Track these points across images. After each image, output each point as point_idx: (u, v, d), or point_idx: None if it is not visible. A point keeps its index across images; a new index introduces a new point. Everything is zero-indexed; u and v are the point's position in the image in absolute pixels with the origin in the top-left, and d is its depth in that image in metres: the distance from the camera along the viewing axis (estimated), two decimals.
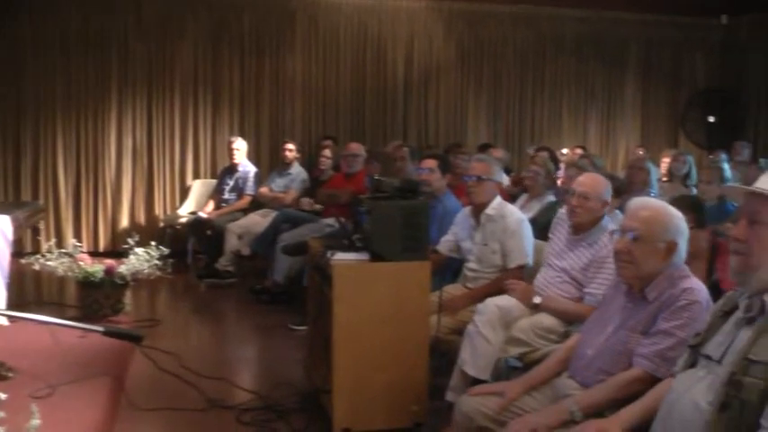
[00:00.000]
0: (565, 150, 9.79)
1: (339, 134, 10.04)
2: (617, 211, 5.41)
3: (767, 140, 11.39)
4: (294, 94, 10.10)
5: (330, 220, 6.92)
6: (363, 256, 4.19)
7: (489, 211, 4.80)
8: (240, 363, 5.79)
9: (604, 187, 4.24)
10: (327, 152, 8.74)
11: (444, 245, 5.10)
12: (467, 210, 5.04)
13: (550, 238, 4.49)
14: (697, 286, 2.92)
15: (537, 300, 4.25)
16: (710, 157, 9.71)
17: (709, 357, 2.37)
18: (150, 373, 5.05)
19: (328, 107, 10.27)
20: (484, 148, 9.33)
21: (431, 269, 4.22)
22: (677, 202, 3.59)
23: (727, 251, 4.22)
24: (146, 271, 5.98)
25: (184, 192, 9.77)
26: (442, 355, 4.48)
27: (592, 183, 4.25)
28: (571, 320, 4.06)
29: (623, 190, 5.76)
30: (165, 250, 6.11)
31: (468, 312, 4.38)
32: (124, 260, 6.08)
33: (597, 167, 6.79)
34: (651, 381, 2.78)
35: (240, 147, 8.87)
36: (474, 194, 4.87)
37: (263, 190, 8.76)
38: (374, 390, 4.11)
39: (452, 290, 4.83)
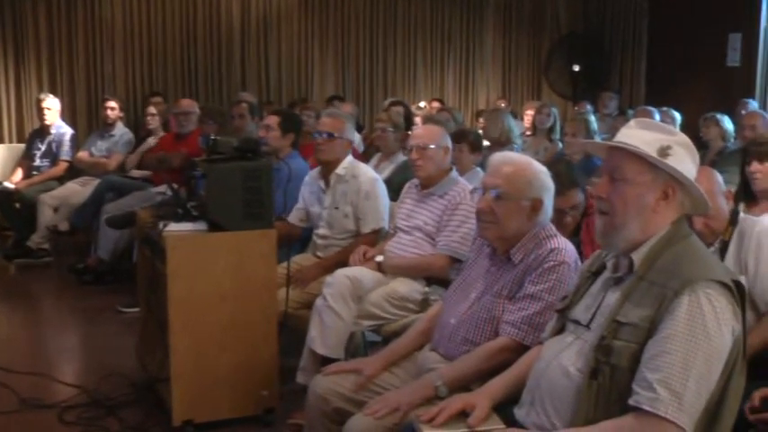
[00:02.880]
0: (422, 104, 9.93)
1: (168, 90, 9.88)
2: (478, 169, 5.57)
3: (633, 90, 11.91)
4: (114, 43, 9.80)
5: (161, 188, 6.79)
6: (200, 225, 4.12)
7: (339, 171, 4.81)
8: (60, 354, 5.62)
9: (440, 134, 4.47)
10: (154, 110, 8.55)
11: (295, 214, 5.09)
12: (315, 171, 5.04)
13: (399, 207, 4.58)
14: (564, 246, 3.01)
15: (378, 258, 4.36)
16: (576, 108, 10.07)
17: (577, 322, 2.46)
18: None
19: (155, 59, 10.03)
20: (332, 101, 9.34)
21: (276, 238, 4.21)
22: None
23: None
24: None
25: None
26: (293, 332, 4.49)
27: (426, 132, 4.52)
28: (424, 275, 4.23)
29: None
30: None
31: (320, 284, 4.39)
32: None
33: (458, 122, 6.94)
34: (519, 349, 2.86)
35: (52, 105, 8.51)
36: (322, 152, 4.86)
37: (82, 154, 8.47)
38: (218, 375, 4.07)
39: (301, 260, 4.84)
